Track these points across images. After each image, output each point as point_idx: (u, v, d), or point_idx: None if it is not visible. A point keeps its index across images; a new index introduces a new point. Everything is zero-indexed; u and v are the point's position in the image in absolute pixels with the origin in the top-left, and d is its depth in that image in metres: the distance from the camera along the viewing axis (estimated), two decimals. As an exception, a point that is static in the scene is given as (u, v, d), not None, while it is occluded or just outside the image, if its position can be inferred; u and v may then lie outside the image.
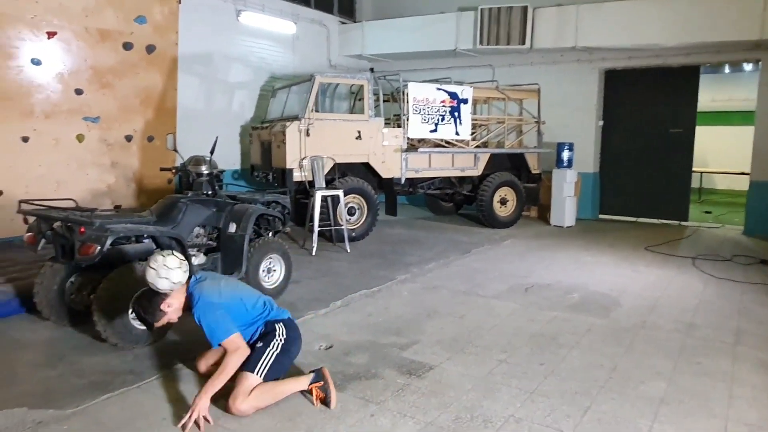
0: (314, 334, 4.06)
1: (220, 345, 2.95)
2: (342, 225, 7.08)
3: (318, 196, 6.80)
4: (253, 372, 2.91)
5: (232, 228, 4.58)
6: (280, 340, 3.07)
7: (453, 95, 8.26)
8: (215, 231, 4.69)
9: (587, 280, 5.69)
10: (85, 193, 6.91)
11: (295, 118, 7.29)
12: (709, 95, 12.40)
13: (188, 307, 3.06)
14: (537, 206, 10.00)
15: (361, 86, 7.96)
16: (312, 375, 3.05)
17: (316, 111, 7.45)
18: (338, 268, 6.12)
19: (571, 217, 9.16)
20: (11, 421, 2.79)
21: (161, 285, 2.99)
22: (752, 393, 3.19)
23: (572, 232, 8.75)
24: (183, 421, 2.72)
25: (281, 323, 3.16)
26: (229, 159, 8.88)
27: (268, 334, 3.09)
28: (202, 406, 2.76)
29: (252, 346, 3.05)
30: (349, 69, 11.05)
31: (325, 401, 2.97)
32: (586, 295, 5.15)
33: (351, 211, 7.58)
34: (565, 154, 9.03)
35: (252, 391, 2.86)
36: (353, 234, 7.42)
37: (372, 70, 8.27)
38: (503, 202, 9.01)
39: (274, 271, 4.94)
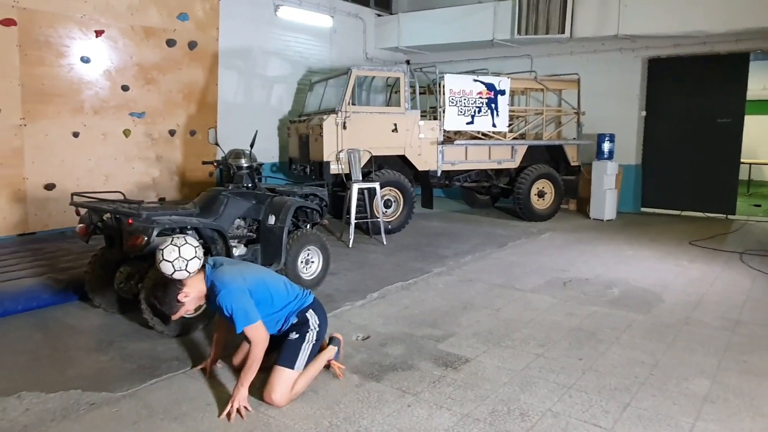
0: (351, 324, 4.12)
1: (242, 332, 2.89)
2: (378, 217, 7.13)
3: (355, 188, 6.87)
4: (293, 368, 2.93)
5: (272, 220, 4.67)
6: (315, 329, 3.10)
7: (490, 86, 8.17)
8: (255, 223, 4.80)
9: (628, 274, 5.57)
10: (131, 185, 7.18)
11: (332, 111, 7.36)
12: (760, 83, 11.85)
13: (206, 295, 3.00)
14: (576, 199, 9.82)
15: (398, 79, 7.96)
16: (335, 348, 3.27)
17: (353, 104, 7.50)
18: (375, 260, 6.18)
19: (612, 211, 8.95)
20: (67, 401, 2.95)
21: (179, 274, 2.93)
22: (803, 393, 3.08)
23: (613, 225, 8.56)
24: (226, 412, 2.80)
25: (310, 310, 3.16)
26: (268, 152, 9.04)
27: (302, 325, 3.09)
28: (241, 396, 2.82)
29: (284, 335, 3.08)
30: (385, 62, 11.07)
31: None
32: (627, 290, 5.05)
33: (387, 204, 7.62)
34: (606, 146, 8.82)
35: (294, 385, 2.93)
36: (389, 226, 7.47)
37: (408, 62, 8.25)
38: (541, 194, 8.88)
39: (312, 262, 5.02)
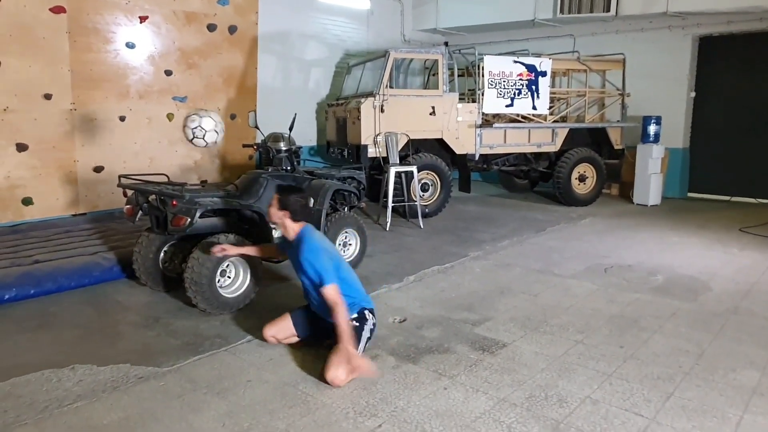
0: (388, 307, 4.15)
1: (325, 292, 3.09)
2: (415, 201, 7.12)
3: (392, 172, 6.86)
4: (357, 350, 3.07)
5: (310, 203, 4.72)
6: (370, 326, 3.26)
7: (531, 68, 7.97)
8: (294, 205, 4.86)
9: (673, 261, 5.40)
10: (174, 168, 7.37)
11: (370, 94, 7.35)
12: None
13: (289, 243, 3.34)
14: (619, 184, 9.55)
15: (436, 61, 7.86)
16: None
17: (390, 87, 7.46)
18: (411, 243, 6.18)
19: (657, 196, 8.67)
20: (117, 374, 3.10)
21: (196, 141, 3.52)
22: None
23: (657, 211, 8.29)
24: (350, 372, 2.97)
25: (368, 311, 3.29)
26: (306, 135, 9.11)
27: (361, 319, 3.23)
28: (353, 353, 2.98)
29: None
30: (423, 44, 10.93)
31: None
32: (672, 277, 4.90)
33: (424, 188, 7.59)
34: (652, 128, 8.50)
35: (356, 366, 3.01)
36: (426, 210, 7.45)
37: (446, 43, 8.10)
38: (582, 179, 8.67)
39: (350, 245, 5.07)
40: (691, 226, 7.11)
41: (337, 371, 2.92)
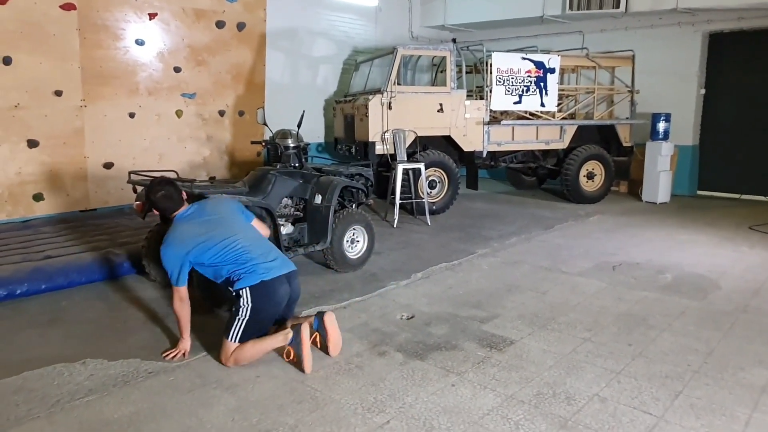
0: (396, 304, 4.16)
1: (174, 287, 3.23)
2: (423, 198, 7.12)
3: (399, 169, 6.86)
4: (228, 339, 3.16)
5: (318, 199, 4.74)
6: (246, 307, 3.13)
7: (539, 65, 7.94)
8: (302, 202, 4.88)
9: (682, 259, 5.37)
10: (183, 164, 7.41)
11: (378, 91, 7.35)
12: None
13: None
14: (627, 181, 9.50)
15: (443, 58, 7.85)
16: (291, 335, 3.13)
17: (398, 84, 7.45)
18: (419, 240, 6.19)
19: (666, 193, 8.62)
20: (128, 369, 3.13)
21: None
22: None
23: (666, 208, 8.24)
24: (171, 354, 3.28)
25: (246, 289, 3.14)
26: (314, 132, 9.13)
27: (237, 299, 3.18)
28: (183, 346, 3.31)
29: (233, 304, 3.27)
30: (431, 40, 10.91)
31: (299, 364, 3.11)
32: (681, 275, 4.88)
33: (432, 185, 7.59)
34: (661, 126, 8.45)
35: (232, 353, 3.14)
36: (434, 207, 7.44)
37: (454, 40, 8.10)
38: (590, 176, 8.63)
39: (358, 241, 5.08)
40: (701, 223, 7.07)
41: (220, 353, 3.17)
